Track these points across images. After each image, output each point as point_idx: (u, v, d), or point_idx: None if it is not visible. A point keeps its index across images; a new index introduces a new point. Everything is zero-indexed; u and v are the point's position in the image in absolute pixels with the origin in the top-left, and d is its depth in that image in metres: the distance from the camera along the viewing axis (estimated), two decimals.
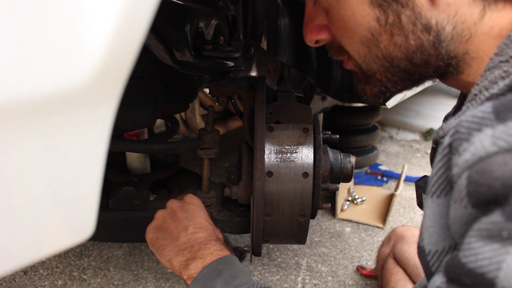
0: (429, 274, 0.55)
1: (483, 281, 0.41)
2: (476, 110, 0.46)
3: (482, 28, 0.55)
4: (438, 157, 0.51)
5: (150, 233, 0.85)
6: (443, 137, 0.57)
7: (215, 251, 0.77)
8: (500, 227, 0.40)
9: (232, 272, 0.73)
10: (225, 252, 0.78)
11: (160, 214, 0.87)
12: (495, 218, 0.41)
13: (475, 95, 0.52)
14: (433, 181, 0.52)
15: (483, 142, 0.43)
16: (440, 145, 0.51)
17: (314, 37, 0.68)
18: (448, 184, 0.50)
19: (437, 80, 0.65)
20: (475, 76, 0.58)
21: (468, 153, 0.44)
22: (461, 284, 0.45)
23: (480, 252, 0.42)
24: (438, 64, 0.59)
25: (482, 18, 0.54)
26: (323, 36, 0.67)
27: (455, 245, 0.52)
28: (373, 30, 0.58)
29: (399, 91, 0.65)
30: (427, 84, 0.66)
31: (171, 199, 0.90)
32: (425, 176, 0.76)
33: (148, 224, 0.87)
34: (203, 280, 0.73)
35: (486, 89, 0.51)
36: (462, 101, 0.70)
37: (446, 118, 0.72)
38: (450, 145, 0.49)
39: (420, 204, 0.75)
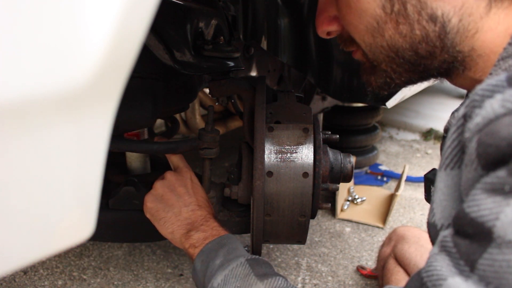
0: None
1: (482, 230, 0.43)
2: (491, 79, 0.47)
3: (488, 23, 0.55)
4: (453, 129, 0.52)
5: (150, 202, 0.88)
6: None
7: (215, 227, 0.83)
8: (503, 181, 0.42)
9: (234, 246, 0.79)
10: (225, 230, 0.84)
11: (159, 185, 0.89)
12: (500, 173, 0.43)
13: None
14: (447, 154, 0.53)
15: (493, 105, 0.44)
16: (454, 122, 0.52)
17: (326, 28, 0.68)
18: (461, 153, 0.51)
19: (444, 80, 0.66)
20: (482, 73, 0.58)
21: (480, 117, 0.45)
22: (464, 234, 0.46)
23: (482, 203, 0.44)
24: (443, 57, 0.59)
25: (488, 13, 0.54)
26: (334, 27, 0.68)
27: None
28: (379, 18, 0.58)
29: (404, 84, 0.65)
30: (433, 83, 0.67)
31: (168, 171, 0.93)
32: (434, 169, 0.76)
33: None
34: (207, 252, 0.78)
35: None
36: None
37: (453, 114, 0.72)
38: (464, 115, 0.49)
39: (428, 199, 0.75)
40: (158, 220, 0.86)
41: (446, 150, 0.53)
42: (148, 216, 0.89)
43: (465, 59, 0.59)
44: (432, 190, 0.74)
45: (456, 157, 0.52)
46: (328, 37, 0.71)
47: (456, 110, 0.72)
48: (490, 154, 0.43)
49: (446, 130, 0.62)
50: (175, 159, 0.96)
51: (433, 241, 0.58)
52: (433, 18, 0.56)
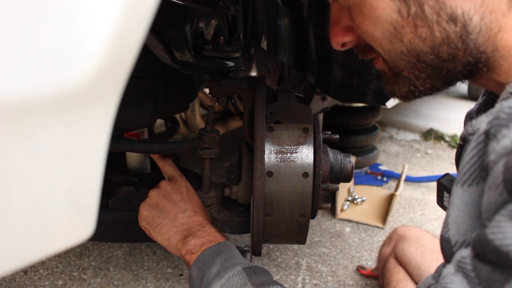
0: None
1: (506, 259, 0.41)
2: None
3: (511, 21, 0.52)
4: (472, 144, 0.50)
5: (145, 210, 0.88)
6: (472, 134, 0.55)
7: (212, 233, 0.83)
8: None
9: (231, 253, 0.78)
10: (222, 237, 0.83)
11: (154, 193, 0.89)
12: None
13: (510, 93, 0.51)
14: (465, 169, 0.51)
15: None
16: (473, 136, 0.50)
17: (340, 40, 0.65)
18: (481, 171, 0.49)
19: (466, 81, 0.62)
20: (506, 76, 0.56)
21: (508, 139, 0.43)
22: (485, 259, 0.44)
23: (508, 231, 0.42)
24: (467, 59, 0.56)
25: (511, 9, 0.52)
26: (349, 38, 0.65)
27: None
28: (395, 23, 0.55)
29: (429, 91, 0.62)
30: (457, 85, 0.63)
31: (163, 180, 0.93)
32: (447, 174, 0.75)
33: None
34: (203, 259, 0.77)
35: None
36: (488, 98, 0.67)
37: (469, 116, 0.69)
38: (487, 132, 0.47)
39: (440, 203, 0.74)
40: (154, 227, 0.85)
41: (465, 166, 0.51)
42: (143, 225, 0.88)
43: (488, 60, 0.56)
44: (445, 196, 0.73)
45: (474, 174, 0.50)
46: (343, 49, 0.67)
47: (471, 113, 0.69)
48: None
49: (463, 138, 0.59)
50: (168, 169, 0.96)
51: (445, 255, 0.57)
52: (453, 18, 0.52)
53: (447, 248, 0.55)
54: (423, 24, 0.54)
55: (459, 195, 0.52)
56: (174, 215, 0.85)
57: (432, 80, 0.60)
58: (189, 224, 0.84)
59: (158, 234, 0.85)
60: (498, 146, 0.44)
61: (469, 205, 0.51)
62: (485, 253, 0.44)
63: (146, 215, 0.87)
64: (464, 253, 0.48)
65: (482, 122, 0.52)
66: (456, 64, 0.57)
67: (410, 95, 0.63)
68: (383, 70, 0.65)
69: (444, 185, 0.73)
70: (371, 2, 0.56)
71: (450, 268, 0.48)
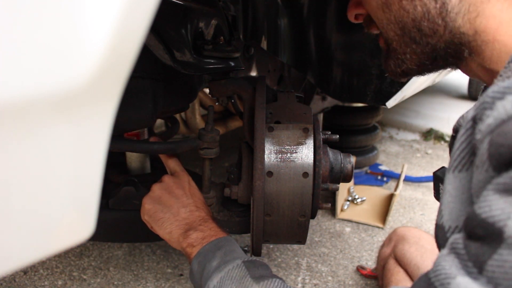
0: None
1: (493, 230, 0.42)
2: (501, 83, 0.47)
3: (490, 9, 0.57)
4: (461, 131, 0.52)
5: (148, 204, 0.88)
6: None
7: (213, 228, 0.83)
8: None
9: (231, 248, 0.79)
10: (223, 232, 0.84)
11: (156, 188, 0.90)
12: None
13: (500, 75, 0.53)
14: (455, 156, 0.53)
15: (506, 106, 0.44)
16: (463, 125, 0.52)
17: (353, 11, 0.75)
18: (470, 157, 0.51)
19: (457, 69, 0.67)
20: (490, 62, 0.59)
21: (491, 118, 0.45)
22: (475, 236, 0.45)
23: (494, 204, 0.43)
24: (448, 37, 0.61)
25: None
26: (360, 10, 0.74)
27: None
28: None
29: (418, 68, 0.68)
30: (447, 73, 0.68)
31: (166, 175, 0.94)
32: (443, 167, 0.77)
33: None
34: (204, 253, 0.78)
35: None
36: (483, 93, 0.71)
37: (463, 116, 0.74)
38: (474, 117, 0.49)
39: (437, 196, 0.75)
40: (156, 221, 0.86)
41: (455, 152, 0.53)
42: (145, 218, 0.89)
43: (470, 43, 0.60)
44: (441, 188, 0.74)
45: (464, 159, 0.52)
46: (357, 21, 0.76)
47: (467, 112, 0.72)
48: (502, 154, 0.43)
49: (455, 130, 0.62)
50: (171, 164, 0.97)
51: (439, 243, 0.58)
52: None
53: (441, 235, 0.56)
54: None
55: (451, 181, 0.54)
56: (176, 209, 0.86)
57: (418, 56, 0.66)
58: (190, 218, 0.84)
59: (160, 228, 0.85)
60: (483, 125, 0.46)
61: (459, 190, 0.53)
62: (474, 229, 0.45)
63: (149, 208, 0.87)
64: (457, 236, 0.49)
65: (471, 110, 0.54)
66: (439, 40, 0.62)
67: (398, 70, 0.70)
68: (382, 47, 0.73)
69: (440, 177, 0.75)
70: None
71: (444, 251, 0.50)
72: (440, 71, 0.70)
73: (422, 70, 0.68)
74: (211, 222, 0.85)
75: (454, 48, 0.62)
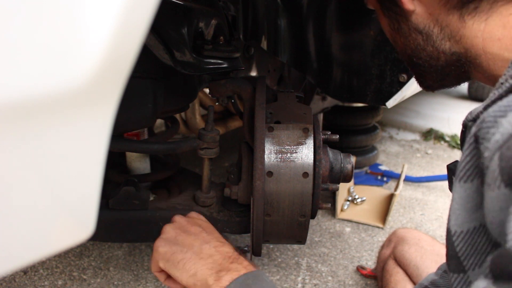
0: (453, 255, 0.58)
1: None
2: (501, 102, 0.49)
3: (470, 31, 0.63)
4: (466, 145, 0.54)
5: (162, 247, 0.77)
6: (471, 120, 0.60)
7: (247, 266, 0.74)
8: None
9: (259, 287, 0.70)
10: (255, 266, 0.75)
11: (169, 228, 0.81)
12: None
13: (502, 83, 0.56)
14: (461, 167, 0.55)
15: (511, 121, 0.45)
16: (468, 131, 0.55)
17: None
18: (475, 169, 0.53)
19: (471, 79, 0.72)
20: (497, 72, 0.63)
21: (498, 134, 0.46)
22: (509, 276, 0.41)
23: None
24: (445, 57, 0.68)
25: (465, 24, 0.63)
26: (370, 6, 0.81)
27: (481, 226, 0.55)
28: (392, 32, 0.75)
29: (440, 84, 0.75)
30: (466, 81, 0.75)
31: (177, 214, 0.86)
32: (457, 161, 0.77)
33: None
34: None
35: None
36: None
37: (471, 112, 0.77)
38: (475, 135, 0.51)
39: (451, 188, 0.76)
40: (176, 263, 0.74)
41: (461, 164, 0.55)
42: (161, 264, 0.77)
43: (467, 58, 0.66)
44: (454, 180, 0.75)
45: (469, 172, 0.54)
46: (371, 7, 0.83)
47: (475, 108, 0.73)
48: None
49: (464, 124, 0.64)
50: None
51: (447, 245, 0.60)
52: (419, 31, 0.69)
53: (448, 237, 0.59)
54: (403, 35, 0.72)
55: (457, 190, 0.56)
56: (198, 247, 0.76)
57: (431, 75, 0.74)
58: (217, 255, 0.75)
59: (182, 271, 0.74)
60: (490, 143, 0.47)
61: (464, 199, 0.55)
62: (508, 268, 0.41)
63: (165, 251, 0.76)
64: (481, 285, 0.45)
65: (477, 114, 0.58)
66: (438, 62, 0.70)
67: (428, 89, 0.78)
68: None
69: (453, 170, 0.76)
70: (380, 17, 0.76)
71: None
72: (461, 83, 0.75)
73: (443, 85, 0.75)
74: (243, 259, 0.76)
75: (456, 65, 0.68)
